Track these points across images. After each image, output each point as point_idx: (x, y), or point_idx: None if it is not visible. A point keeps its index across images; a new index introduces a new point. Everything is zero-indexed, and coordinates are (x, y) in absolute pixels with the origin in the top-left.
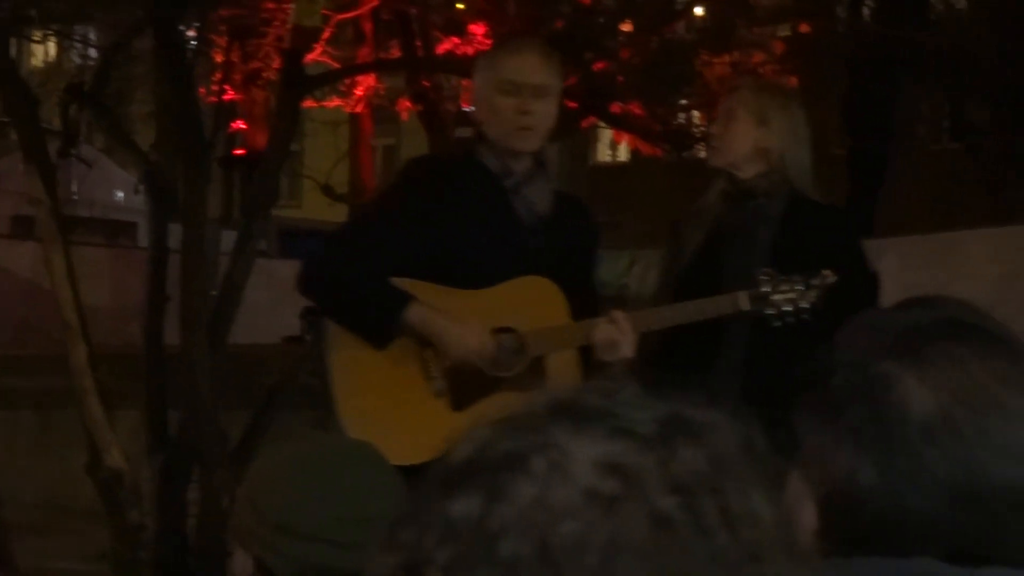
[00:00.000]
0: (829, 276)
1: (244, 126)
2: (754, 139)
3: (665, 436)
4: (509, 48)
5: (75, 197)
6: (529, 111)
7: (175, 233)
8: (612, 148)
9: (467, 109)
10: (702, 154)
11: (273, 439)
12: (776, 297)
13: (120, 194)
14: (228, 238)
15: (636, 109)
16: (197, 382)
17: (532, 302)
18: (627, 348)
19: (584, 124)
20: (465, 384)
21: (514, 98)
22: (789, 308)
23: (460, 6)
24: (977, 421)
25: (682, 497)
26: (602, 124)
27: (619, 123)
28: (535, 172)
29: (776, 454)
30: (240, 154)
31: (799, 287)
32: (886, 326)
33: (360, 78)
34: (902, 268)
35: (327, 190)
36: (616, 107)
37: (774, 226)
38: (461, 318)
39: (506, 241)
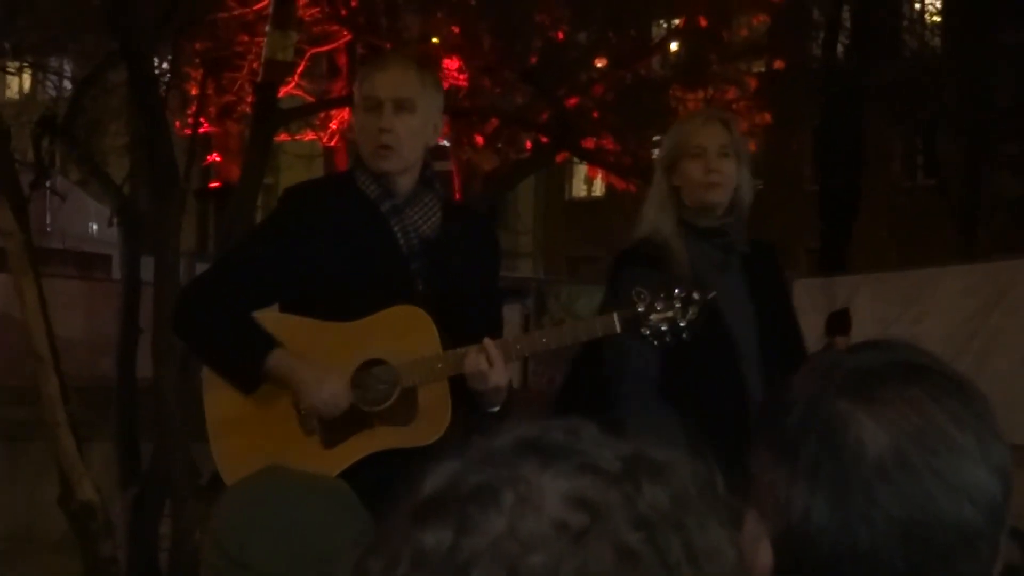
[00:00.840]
0: (709, 292)
1: (219, 159)
2: (735, 178)
3: (629, 473)
4: (374, 63)
5: (49, 229)
6: (388, 128)
7: (149, 265)
8: (587, 183)
9: (442, 143)
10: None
11: None
12: (652, 317)
13: (94, 226)
14: (203, 270)
15: (609, 144)
16: (169, 415)
17: (404, 332)
18: (497, 377)
19: (559, 159)
20: (336, 422)
21: (375, 115)
22: (664, 327)
23: (435, 40)
24: (930, 460)
25: (647, 532)
26: (576, 160)
27: (592, 158)
28: (418, 191)
29: (734, 494)
30: (215, 187)
31: (677, 305)
32: (840, 367)
33: (334, 112)
34: (875, 304)
35: None
36: (589, 142)
37: (742, 260)
38: (329, 357)
39: (383, 268)
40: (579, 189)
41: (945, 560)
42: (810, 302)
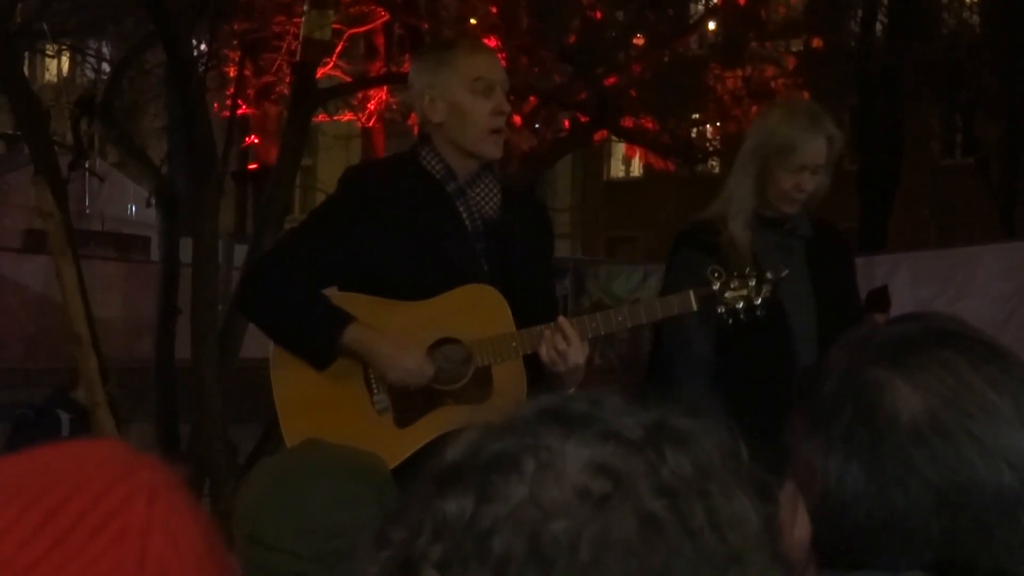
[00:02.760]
0: (781, 269)
1: (257, 140)
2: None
3: (652, 441)
4: (465, 47)
5: (88, 211)
6: (506, 111)
7: (187, 247)
8: (625, 164)
9: None
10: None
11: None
12: (727, 295)
13: (133, 208)
14: (240, 252)
15: (647, 123)
16: (207, 396)
17: (477, 311)
18: (575, 355)
19: (597, 138)
20: (409, 400)
21: (489, 98)
22: (740, 305)
23: (473, 21)
24: (968, 424)
25: (670, 499)
26: (615, 139)
27: (631, 137)
28: (480, 173)
29: (760, 463)
30: (253, 168)
31: (751, 283)
32: (875, 337)
33: (372, 92)
34: (913, 283)
35: None
36: (628, 121)
37: (804, 244)
38: (403, 334)
39: (450, 247)
40: (617, 169)
41: (982, 527)
42: None
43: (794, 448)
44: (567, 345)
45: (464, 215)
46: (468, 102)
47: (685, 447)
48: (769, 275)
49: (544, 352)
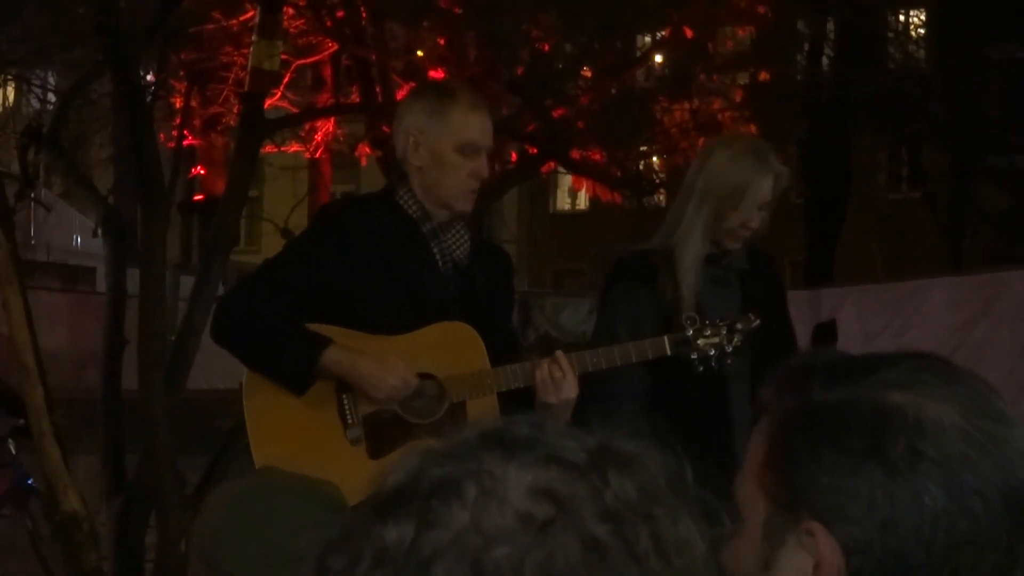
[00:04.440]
0: (753, 320)
1: (203, 171)
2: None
3: (596, 465)
4: (464, 105)
5: (33, 242)
6: (484, 175)
7: (133, 278)
8: (571, 196)
9: None
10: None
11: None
12: (700, 342)
13: (78, 238)
14: (186, 283)
15: (595, 155)
16: (155, 426)
17: (451, 347)
18: (569, 388)
19: (544, 170)
20: (383, 432)
21: (472, 161)
22: (712, 352)
23: (420, 52)
24: (997, 427)
25: (614, 524)
26: (562, 170)
27: (579, 168)
28: (453, 219)
29: (705, 487)
30: (199, 199)
31: (723, 332)
32: (861, 364)
33: (319, 123)
34: (860, 316)
35: (286, 233)
36: (576, 153)
37: (740, 276)
38: (381, 358)
39: (423, 286)
40: (563, 202)
41: None
42: (796, 314)
43: (817, 484)
44: (563, 375)
45: (437, 255)
46: (451, 160)
47: (629, 470)
48: (739, 325)
49: (539, 375)
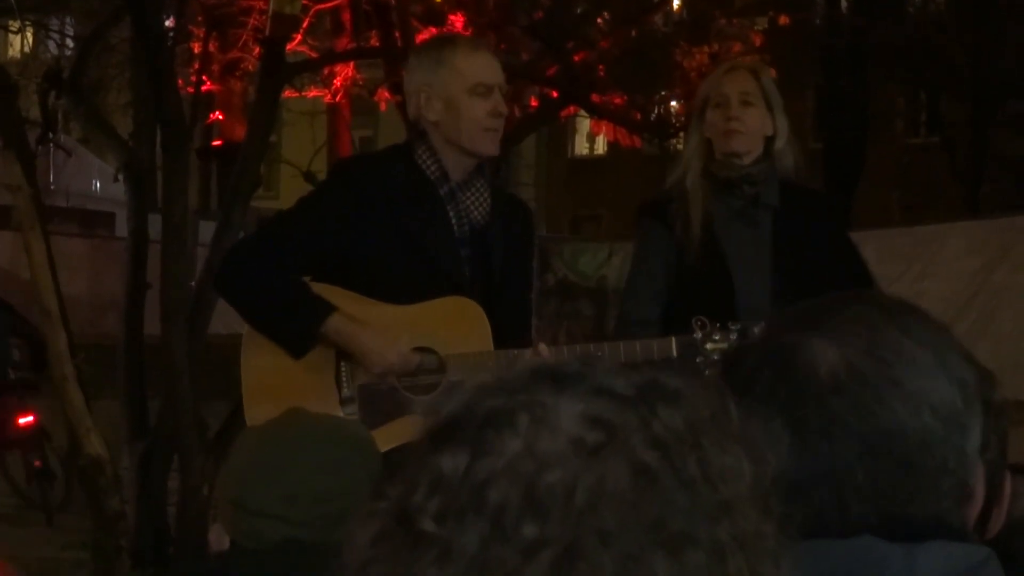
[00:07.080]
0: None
1: (221, 117)
2: (764, 126)
3: (644, 398)
4: (465, 47)
5: (52, 187)
6: (504, 112)
7: (153, 224)
8: (590, 141)
9: None
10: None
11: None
12: (708, 346)
13: (97, 184)
14: (205, 229)
15: (616, 99)
16: (176, 372)
17: (457, 324)
18: None
19: (564, 115)
20: (377, 403)
21: (487, 100)
22: (717, 358)
23: None
24: (886, 371)
25: (663, 451)
26: (582, 114)
27: (600, 112)
28: (473, 176)
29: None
30: (218, 145)
31: (732, 337)
32: (792, 310)
33: (339, 68)
34: (878, 261)
35: (308, 176)
36: (596, 97)
37: (772, 213)
38: (383, 331)
39: (436, 250)
40: (582, 147)
41: (908, 472)
42: None
43: None
44: None
45: (453, 220)
46: (465, 103)
47: (676, 403)
48: (753, 331)
49: None
